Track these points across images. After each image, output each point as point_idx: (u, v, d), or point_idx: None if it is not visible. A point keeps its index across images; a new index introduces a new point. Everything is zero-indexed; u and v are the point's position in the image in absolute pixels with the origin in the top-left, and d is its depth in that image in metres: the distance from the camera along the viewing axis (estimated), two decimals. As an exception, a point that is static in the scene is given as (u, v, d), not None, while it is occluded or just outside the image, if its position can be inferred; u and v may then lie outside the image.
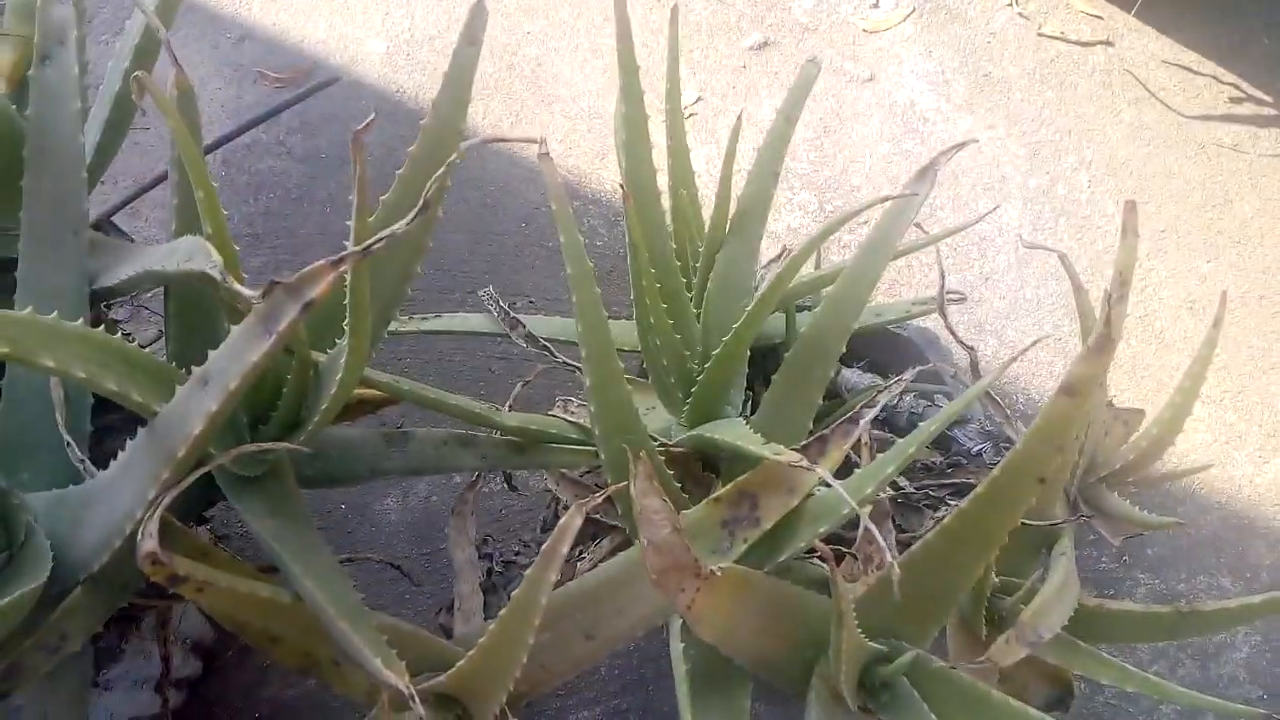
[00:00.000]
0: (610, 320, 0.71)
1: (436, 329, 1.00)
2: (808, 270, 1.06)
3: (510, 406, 0.86)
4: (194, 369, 0.54)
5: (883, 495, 0.76)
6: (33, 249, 0.71)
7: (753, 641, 0.68)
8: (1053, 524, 0.82)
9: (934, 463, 0.98)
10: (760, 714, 1.17)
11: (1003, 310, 1.57)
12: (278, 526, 0.69)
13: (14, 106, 0.75)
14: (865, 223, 1.58)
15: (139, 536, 0.57)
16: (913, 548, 0.62)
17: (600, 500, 0.61)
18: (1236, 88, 1.84)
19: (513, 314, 0.95)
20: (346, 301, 0.59)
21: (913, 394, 1.05)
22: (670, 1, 1.36)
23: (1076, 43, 1.83)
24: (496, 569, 0.89)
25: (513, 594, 0.58)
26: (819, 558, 0.75)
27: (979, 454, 0.96)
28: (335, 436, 0.82)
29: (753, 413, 0.83)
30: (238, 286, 0.52)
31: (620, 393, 0.73)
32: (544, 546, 0.55)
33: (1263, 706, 0.80)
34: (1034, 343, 1.13)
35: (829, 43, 1.77)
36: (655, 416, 0.89)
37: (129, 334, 1.06)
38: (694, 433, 0.77)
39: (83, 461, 0.69)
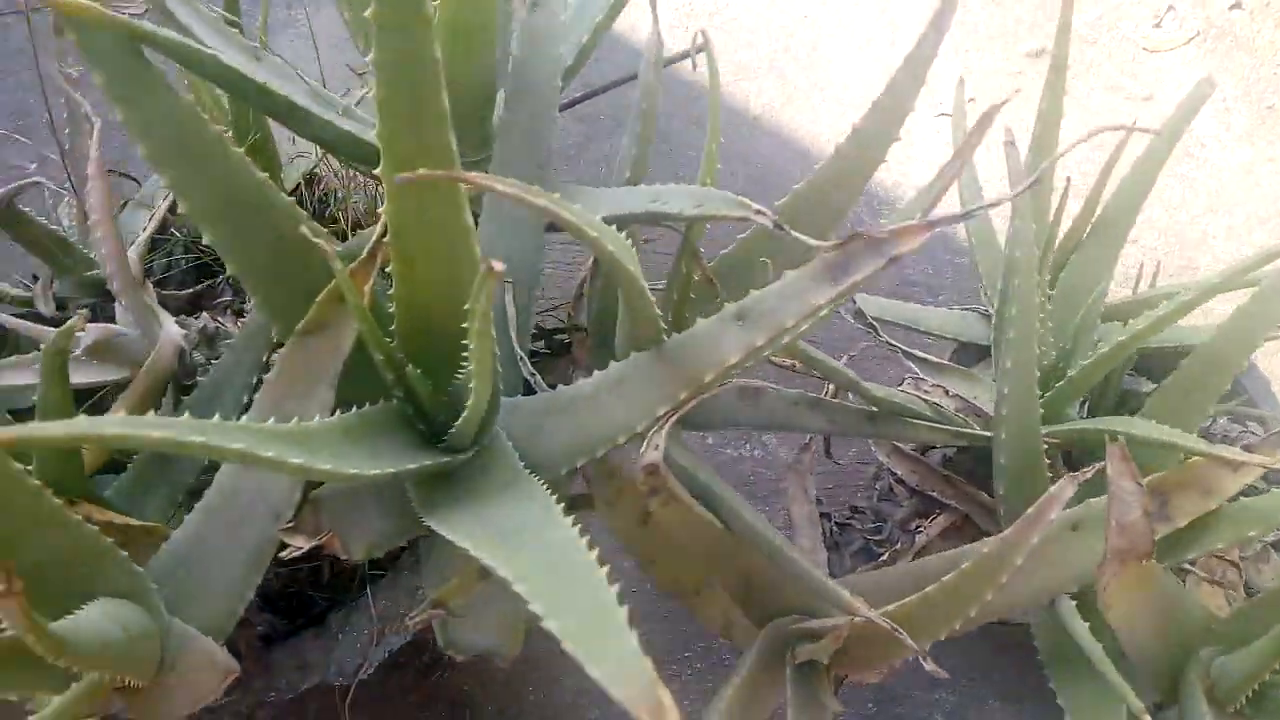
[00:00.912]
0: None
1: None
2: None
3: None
4: (729, 306, 0.60)
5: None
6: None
7: (1143, 633, 0.71)
8: None
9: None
10: (993, 710, 1.19)
11: None
12: (704, 467, 0.75)
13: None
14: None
15: (644, 447, 0.64)
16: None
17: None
18: None
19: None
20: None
21: (1227, 416, 1.05)
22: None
23: (1369, 83, 1.75)
24: (834, 528, 0.93)
25: (971, 549, 0.61)
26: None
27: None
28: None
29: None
30: (800, 236, 0.57)
31: (1028, 379, 0.76)
32: (1031, 510, 0.58)
33: None
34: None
35: (1107, 56, 1.74)
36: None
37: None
38: (1088, 424, 0.80)
39: (533, 375, 0.76)
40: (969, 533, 0.91)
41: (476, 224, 0.58)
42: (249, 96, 0.68)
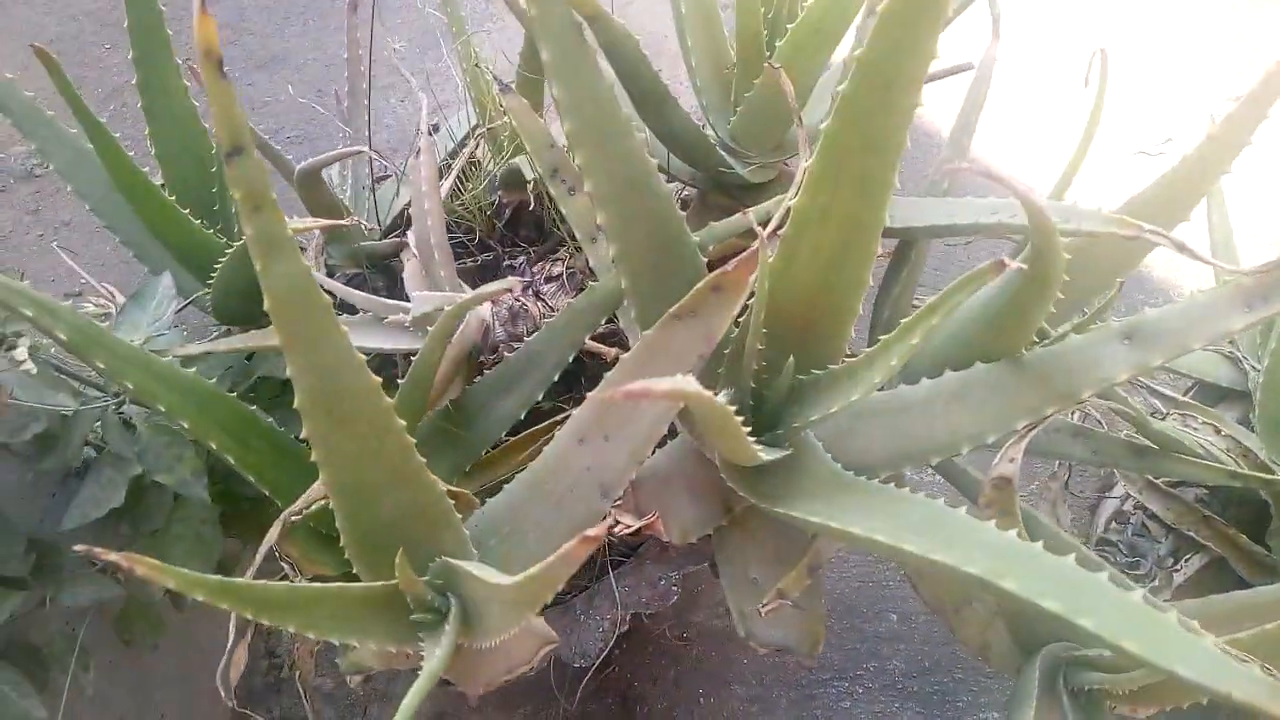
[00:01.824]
0: None
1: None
2: None
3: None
4: (1114, 324, 0.60)
5: None
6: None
7: None
8: None
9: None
10: None
11: None
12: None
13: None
14: None
15: (999, 460, 0.64)
16: None
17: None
18: None
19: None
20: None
21: None
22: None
23: None
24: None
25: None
26: None
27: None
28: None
29: None
30: (1214, 260, 0.57)
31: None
32: None
33: None
34: None
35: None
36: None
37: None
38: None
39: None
40: (1227, 575, 0.89)
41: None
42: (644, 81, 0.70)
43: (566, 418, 0.91)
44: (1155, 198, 0.75)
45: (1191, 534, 0.91)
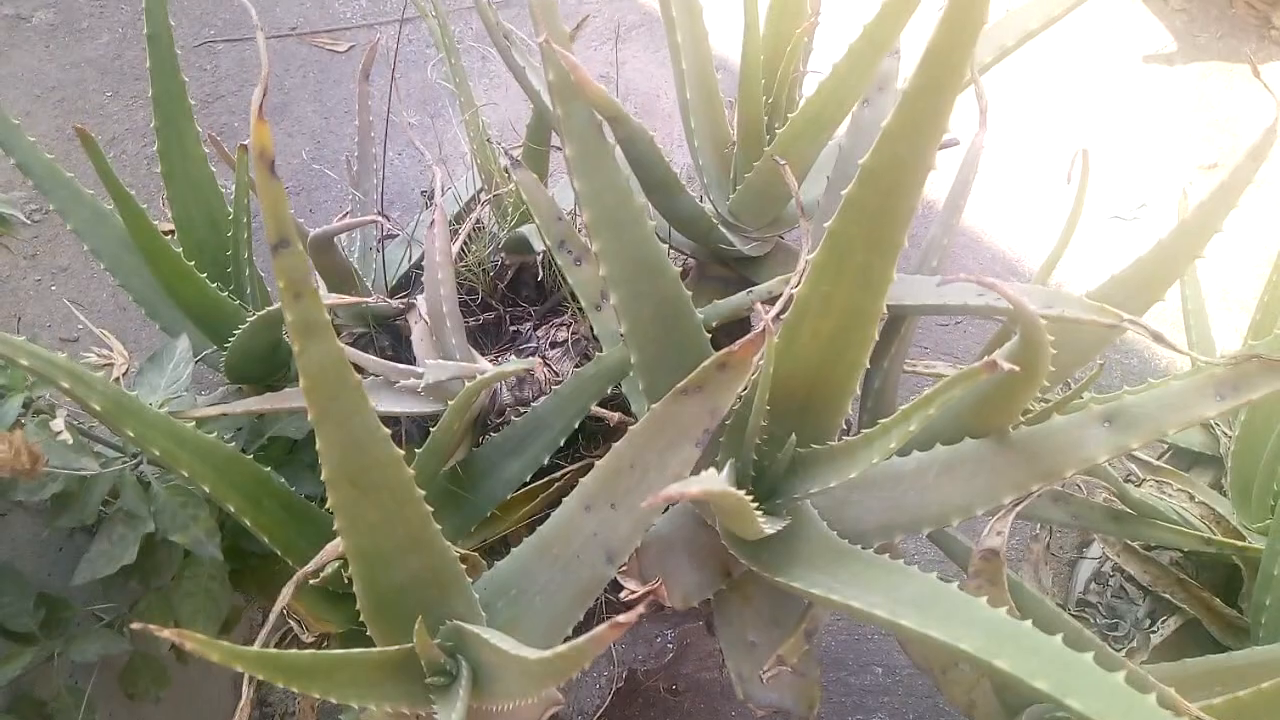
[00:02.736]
0: None
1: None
2: None
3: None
4: (1094, 408, 0.64)
5: None
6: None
7: None
8: None
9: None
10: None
11: None
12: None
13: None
14: None
15: (987, 533, 0.68)
16: None
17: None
18: None
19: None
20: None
21: None
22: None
23: None
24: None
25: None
26: None
27: None
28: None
29: None
30: (1182, 349, 0.61)
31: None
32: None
33: None
34: None
35: (1276, 176, 1.78)
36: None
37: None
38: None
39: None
40: (1202, 637, 0.93)
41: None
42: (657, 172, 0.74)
43: (566, 474, 0.94)
44: (1132, 279, 0.79)
45: (1168, 596, 0.94)
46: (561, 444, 0.81)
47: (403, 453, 0.72)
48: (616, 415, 0.87)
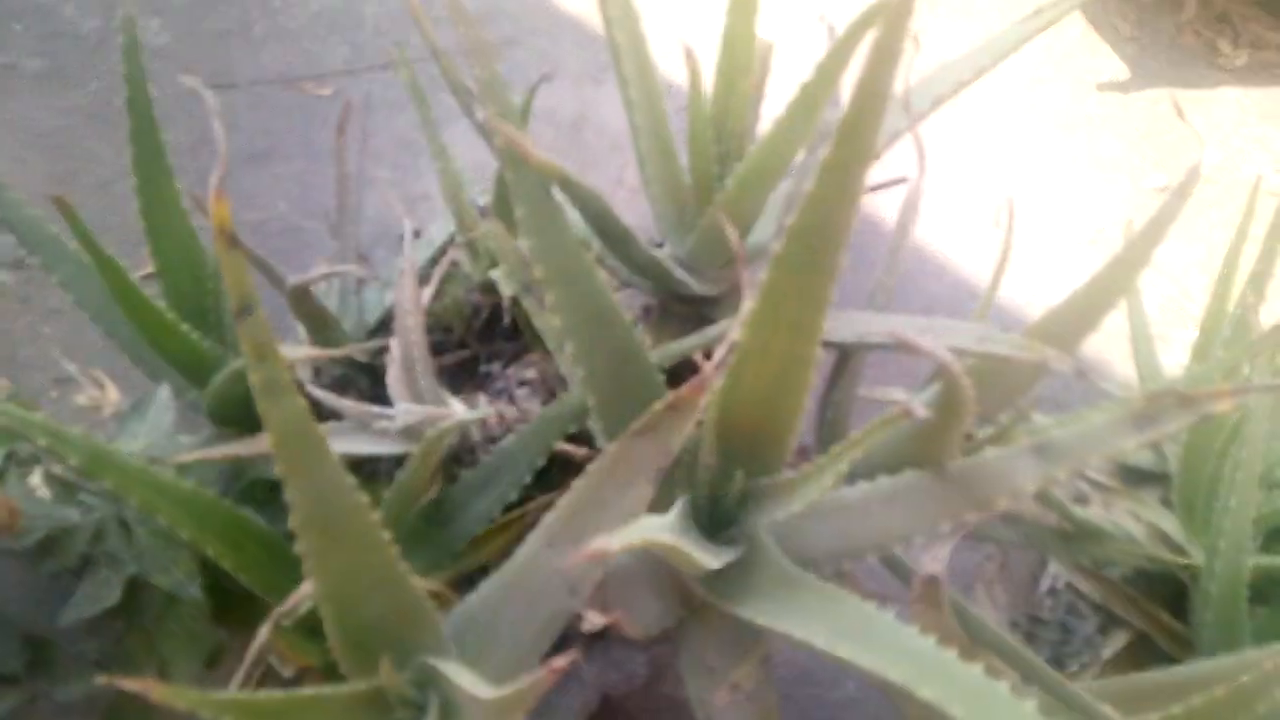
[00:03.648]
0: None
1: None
2: None
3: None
4: (1024, 441, 0.68)
5: None
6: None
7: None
8: None
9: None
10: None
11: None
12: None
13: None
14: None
15: (926, 561, 0.71)
16: None
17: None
18: None
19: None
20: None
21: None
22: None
23: None
24: (1023, 639, 0.99)
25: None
26: None
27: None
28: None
29: None
30: (1104, 385, 0.65)
31: (1243, 522, 0.82)
32: None
33: None
34: None
35: (1230, 197, 1.84)
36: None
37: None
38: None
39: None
40: (1153, 650, 0.96)
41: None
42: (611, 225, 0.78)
43: (531, 508, 0.98)
44: (1065, 312, 0.84)
45: (1119, 612, 0.98)
46: (529, 480, 0.84)
47: (383, 492, 0.76)
48: (583, 451, 0.91)
